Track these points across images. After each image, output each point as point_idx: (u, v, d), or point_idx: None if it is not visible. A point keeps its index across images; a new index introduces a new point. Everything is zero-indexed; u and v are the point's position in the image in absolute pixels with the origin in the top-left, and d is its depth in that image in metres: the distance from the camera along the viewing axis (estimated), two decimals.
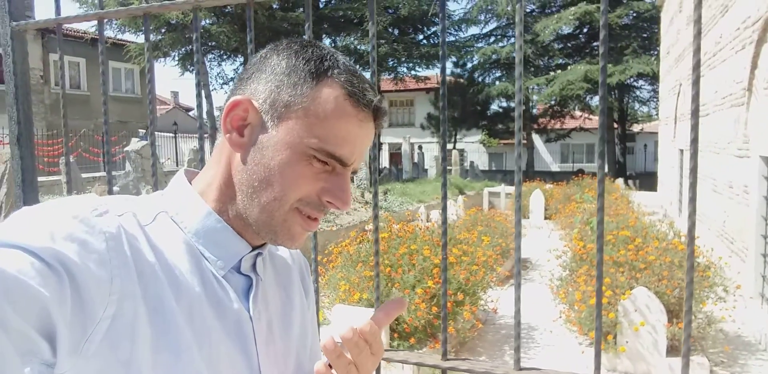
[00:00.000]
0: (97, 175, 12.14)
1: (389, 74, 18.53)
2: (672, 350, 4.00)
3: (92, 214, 0.55)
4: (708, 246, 6.13)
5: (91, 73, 18.50)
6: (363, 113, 0.63)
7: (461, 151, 21.39)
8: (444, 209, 1.16)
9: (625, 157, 25.79)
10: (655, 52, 19.39)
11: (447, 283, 1.19)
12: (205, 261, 0.63)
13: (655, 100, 22.85)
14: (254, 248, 0.67)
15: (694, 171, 1.00)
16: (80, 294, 0.50)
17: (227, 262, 0.64)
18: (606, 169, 19.93)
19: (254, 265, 0.68)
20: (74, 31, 16.99)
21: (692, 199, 1.02)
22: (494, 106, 25.78)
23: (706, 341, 4.43)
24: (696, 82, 0.99)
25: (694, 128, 1.01)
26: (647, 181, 19.98)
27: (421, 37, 18.70)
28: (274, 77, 0.63)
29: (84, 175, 10.88)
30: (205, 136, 1.42)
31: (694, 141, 1.01)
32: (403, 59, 17.89)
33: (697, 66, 1.00)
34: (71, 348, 0.50)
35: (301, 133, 0.61)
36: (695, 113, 1.00)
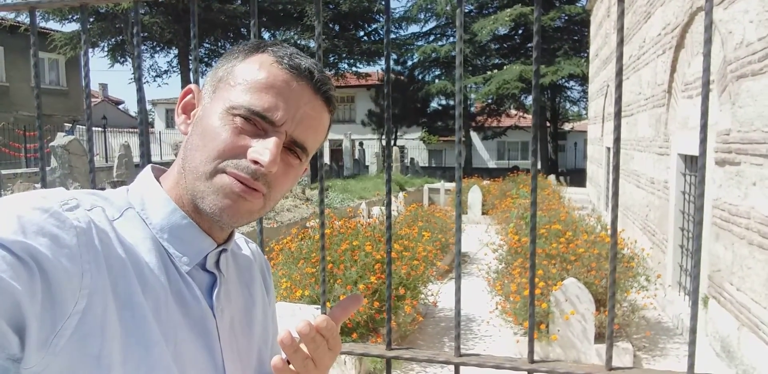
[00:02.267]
0: (18, 171, 11.42)
1: (330, 70, 18.50)
2: (600, 337, 4.24)
3: (62, 208, 0.55)
4: (632, 238, 6.51)
5: (9, 62, 17.31)
6: (290, 74, 0.63)
7: (401, 148, 21.62)
8: (388, 204, 1.20)
9: (557, 154, 26.87)
10: (585, 55, 20.28)
11: (390, 277, 1.23)
12: (171, 258, 0.63)
13: (584, 100, 23.92)
14: (219, 245, 0.68)
15: (616, 168, 1.09)
16: (51, 288, 0.50)
17: (192, 259, 0.65)
18: (539, 166, 20.71)
19: (218, 262, 0.69)
20: None
21: (615, 194, 1.11)
22: (434, 104, 26.25)
23: (630, 327, 4.72)
24: (619, 86, 1.07)
25: (617, 128, 1.09)
26: (577, 177, 20.89)
27: (362, 33, 18.75)
28: (216, 64, 0.69)
29: (3, 171, 10.21)
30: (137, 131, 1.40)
31: (617, 140, 1.10)
32: (344, 55, 17.89)
33: (619, 58, 1.08)
34: (40, 342, 0.50)
35: (228, 96, 0.63)
36: (618, 114, 1.08)
